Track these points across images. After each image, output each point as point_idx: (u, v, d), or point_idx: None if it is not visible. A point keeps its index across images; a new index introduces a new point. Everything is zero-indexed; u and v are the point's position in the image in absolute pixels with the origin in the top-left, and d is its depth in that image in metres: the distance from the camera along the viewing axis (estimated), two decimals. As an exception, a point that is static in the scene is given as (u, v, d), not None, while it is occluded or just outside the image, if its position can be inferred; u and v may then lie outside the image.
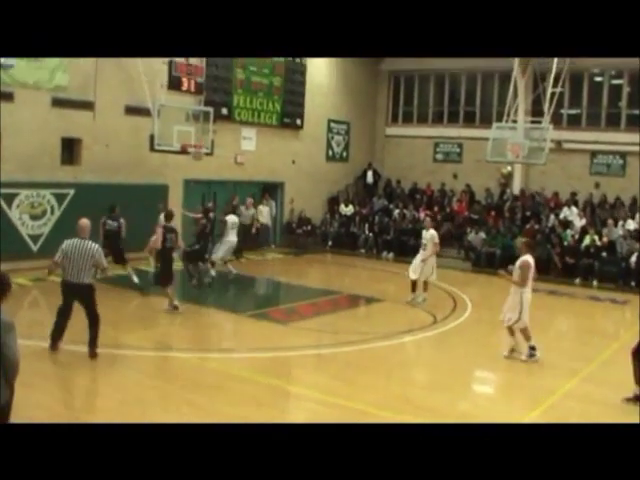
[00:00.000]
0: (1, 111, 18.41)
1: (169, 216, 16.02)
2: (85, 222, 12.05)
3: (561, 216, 25.62)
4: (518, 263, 13.12)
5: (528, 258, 13.16)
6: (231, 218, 19.54)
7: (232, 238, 19.47)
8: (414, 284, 17.57)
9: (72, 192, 20.09)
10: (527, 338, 12.99)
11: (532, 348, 12.92)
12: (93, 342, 11.87)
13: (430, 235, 17.46)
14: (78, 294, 11.88)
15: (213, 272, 18.96)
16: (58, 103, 19.91)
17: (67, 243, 11.77)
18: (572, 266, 23.13)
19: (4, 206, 18.78)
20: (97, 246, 11.86)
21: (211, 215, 19.26)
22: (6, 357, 6.32)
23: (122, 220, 17.52)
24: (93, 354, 11.80)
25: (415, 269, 17.44)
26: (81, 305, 11.96)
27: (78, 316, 11.99)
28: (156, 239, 15.55)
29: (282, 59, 26.76)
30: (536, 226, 25.17)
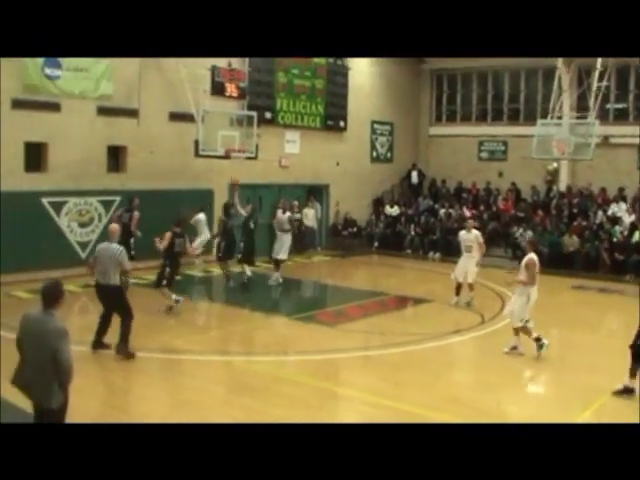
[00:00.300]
0: (48, 121, 18.75)
1: (179, 222, 16.05)
2: (114, 227, 12.85)
3: (609, 212, 25.28)
4: (524, 262, 13.02)
5: (533, 256, 13.06)
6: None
7: (289, 236, 19.92)
8: (459, 287, 17.36)
9: (119, 199, 20.29)
10: (528, 334, 12.93)
11: (538, 339, 12.87)
12: (122, 339, 12.02)
13: (474, 236, 17.23)
14: (106, 295, 12.20)
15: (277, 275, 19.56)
16: (103, 112, 20.15)
17: (98, 246, 12.57)
18: (622, 262, 22.81)
19: (53, 214, 19.05)
20: (121, 248, 12.17)
21: (232, 212, 19.31)
22: (60, 362, 6.51)
23: (136, 212, 17.58)
24: (122, 352, 11.95)
25: (461, 272, 17.27)
26: (110, 306, 12.19)
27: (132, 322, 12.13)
28: (161, 241, 15.52)
29: (324, 61, 26.80)
30: (584, 223, 24.88)
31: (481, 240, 17.28)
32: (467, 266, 17.16)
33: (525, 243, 13.80)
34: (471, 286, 17.35)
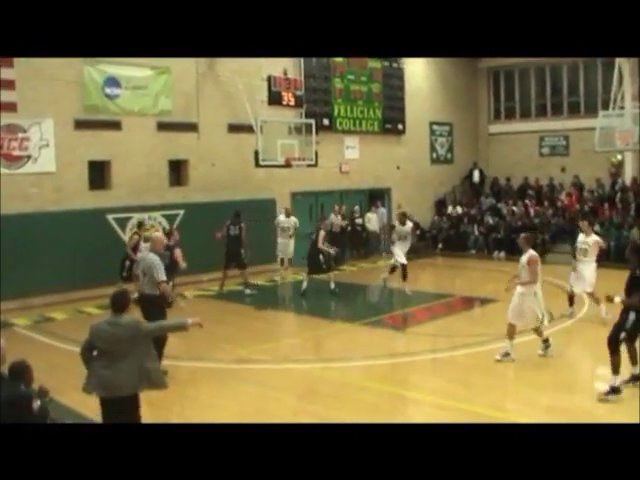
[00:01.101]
0: (110, 140, 19.11)
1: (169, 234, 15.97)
2: (156, 235, 12.44)
3: (679, 203, 24.74)
4: (525, 259, 12.21)
5: (534, 253, 12.35)
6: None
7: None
8: (572, 297, 15.76)
9: (182, 212, 20.55)
10: (539, 334, 12.72)
11: (546, 340, 12.74)
12: None
13: (594, 241, 15.33)
14: (139, 303, 11.69)
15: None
16: (163, 127, 20.46)
17: (138, 255, 12.60)
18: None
19: (118, 231, 19.34)
20: (155, 258, 11.45)
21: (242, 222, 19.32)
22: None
23: (135, 237, 17.79)
24: None
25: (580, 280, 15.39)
26: (146, 317, 11.88)
27: (197, 333, 12.19)
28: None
29: (379, 65, 26.81)
30: (652, 214, 24.38)
31: (602, 244, 15.72)
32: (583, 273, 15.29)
33: (519, 240, 12.90)
34: (592, 295, 15.42)
